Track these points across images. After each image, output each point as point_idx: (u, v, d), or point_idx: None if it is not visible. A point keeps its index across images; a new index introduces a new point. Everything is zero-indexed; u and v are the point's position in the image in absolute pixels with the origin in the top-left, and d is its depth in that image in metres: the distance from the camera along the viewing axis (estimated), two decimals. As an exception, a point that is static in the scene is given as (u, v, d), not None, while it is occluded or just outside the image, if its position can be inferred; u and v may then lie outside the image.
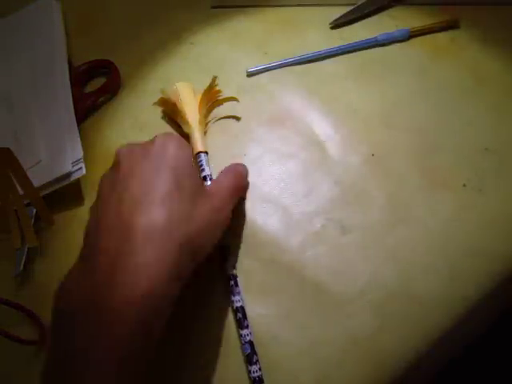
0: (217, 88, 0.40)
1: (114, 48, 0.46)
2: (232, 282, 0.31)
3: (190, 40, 0.45)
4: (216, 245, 0.28)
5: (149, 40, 0.46)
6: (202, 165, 0.36)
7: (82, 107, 0.43)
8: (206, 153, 0.37)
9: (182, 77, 0.43)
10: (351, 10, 0.43)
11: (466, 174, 0.34)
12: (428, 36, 0.41)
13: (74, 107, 0.41)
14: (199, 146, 0.37)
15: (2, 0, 0.52)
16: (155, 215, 0.24)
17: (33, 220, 0.37)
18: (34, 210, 0.37)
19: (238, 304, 0.30)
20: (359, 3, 0.43)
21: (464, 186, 0.33)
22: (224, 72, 0.42)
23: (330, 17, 0.44)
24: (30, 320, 0.33)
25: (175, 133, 0.39)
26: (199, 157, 0.36)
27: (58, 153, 0.38)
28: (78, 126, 0.40)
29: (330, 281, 0.31)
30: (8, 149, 0.34)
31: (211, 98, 0.40)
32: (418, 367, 0.28)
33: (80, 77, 0.45)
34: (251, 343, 0.29)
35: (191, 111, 0.39)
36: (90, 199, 0.38)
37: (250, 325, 0.30)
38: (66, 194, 0.38)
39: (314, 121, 0.38)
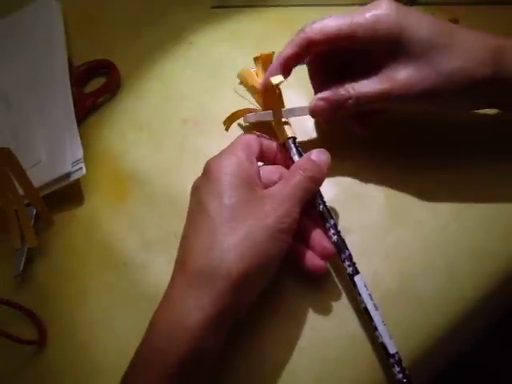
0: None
1: (113, 48, 0.46)
2: None
3: (190, 40, 0.45)
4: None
5: (148, 40, 0.46)
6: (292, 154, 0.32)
7: (82, 107, 0.43)
8: (294, 138, 0.33)
9: (181, 76, 0.43)
10: None
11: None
12: (428, 36, 0.41)
13: (74, 107, 0.41)
14: (288, 132, 0.33)
15: (2, 0, 0.52)
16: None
17: (33, 220, 0.37)
18: (34, 210, 0.37)
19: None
20: None
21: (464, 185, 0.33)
22: (223, 72, 0.42)
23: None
24: (29, 320, 0.33)
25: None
26: (287, 143, 0.33)
27: (57, 153, 0.39)
28: (78, 125, 0.40)
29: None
30: (8, 149, 0.34)
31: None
32: (416, 367, 0.28)
33: (80, 77, 0.45)
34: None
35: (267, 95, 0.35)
36: (89, 199, 0.38)
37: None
38: (66, 194, 0.38)
39: (313, 120, 0.38)
